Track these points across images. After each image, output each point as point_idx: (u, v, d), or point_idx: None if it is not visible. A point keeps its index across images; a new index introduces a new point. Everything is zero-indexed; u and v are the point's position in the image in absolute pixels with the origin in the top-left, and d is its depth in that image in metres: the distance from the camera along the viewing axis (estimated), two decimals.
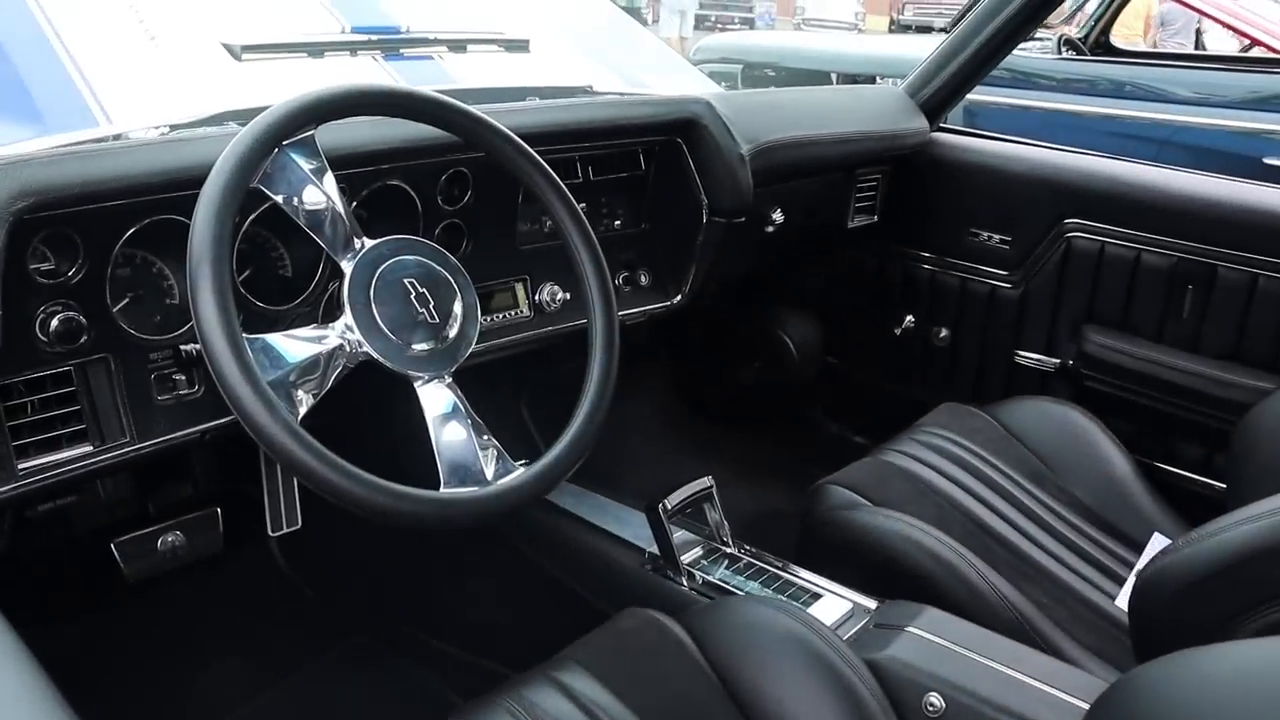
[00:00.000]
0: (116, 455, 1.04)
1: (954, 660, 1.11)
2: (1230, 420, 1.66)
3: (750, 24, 15.56)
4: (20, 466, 0.97)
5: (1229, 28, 5.07)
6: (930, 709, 1.07)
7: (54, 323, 0.98)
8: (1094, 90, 3.80)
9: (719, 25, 14.51)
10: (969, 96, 3.84)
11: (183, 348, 1.06)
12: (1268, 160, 3.10)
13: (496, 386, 1.14)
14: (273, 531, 1.40)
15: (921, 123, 1.95)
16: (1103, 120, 3.75)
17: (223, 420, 1.10)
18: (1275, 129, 3.17)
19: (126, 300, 1.07)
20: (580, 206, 1.42)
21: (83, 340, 1.01)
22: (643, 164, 1.53)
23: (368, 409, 1.22)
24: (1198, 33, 6.71)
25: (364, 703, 1.04)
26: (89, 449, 1.02)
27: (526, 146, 1.10)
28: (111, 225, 1.02)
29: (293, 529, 1.40)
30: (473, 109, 1.08)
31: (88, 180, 0.95)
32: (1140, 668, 0.84)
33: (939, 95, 1.96)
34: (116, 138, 1.22)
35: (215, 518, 1.56)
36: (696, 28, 13.83)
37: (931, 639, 1.15)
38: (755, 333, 2.24)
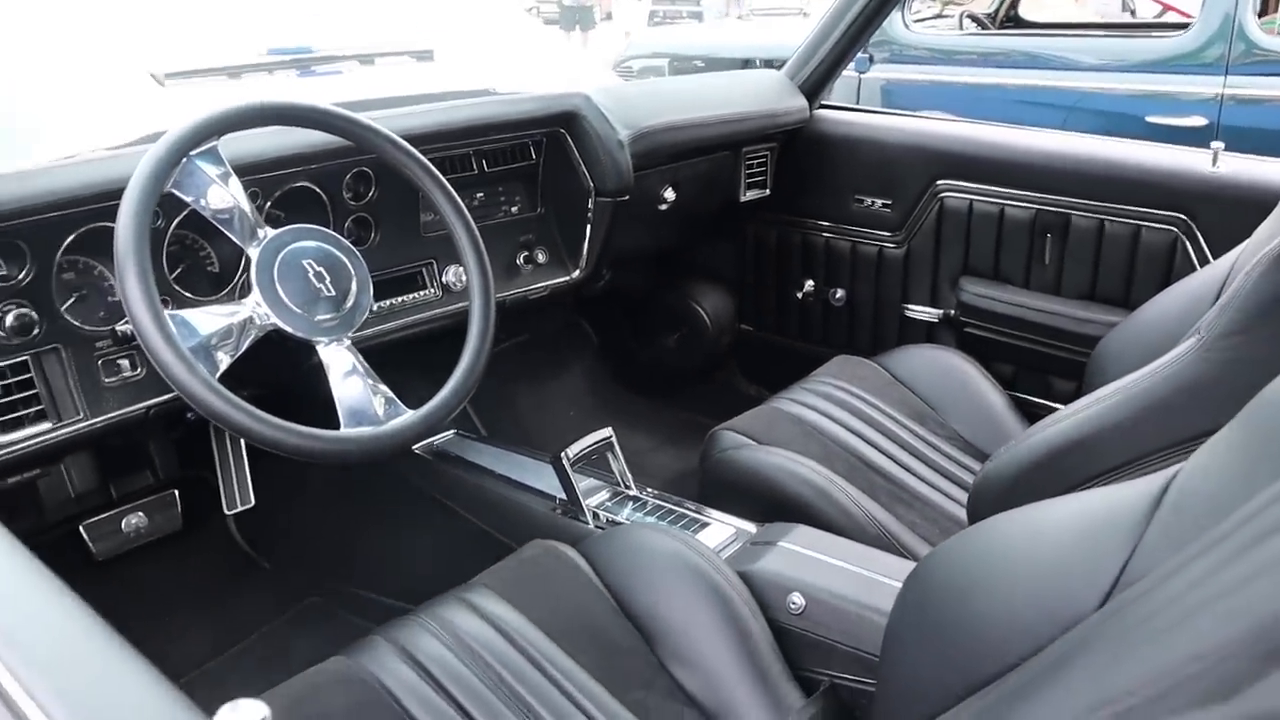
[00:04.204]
0: (72, 430, 1.21)
1: (815, 566, 1.26)
2: (1089, 353, 1.84)
3: (699, 17, 15.59)
4: None
5: None
6: (793, 606, 1.22)
7: (9, 319, 1.16)
8: (1009, 62, 3.92)
9: (667, 20, 14.61)
10: (885, 75, 4.05)
11: (118, 327, 1.23)
12: (1149, 118, 3.30)
13: (433, 363, 1.31)
14: (228, 510, 1.55)
15: (800, 102, 2.13)
16: (1016, 90, 3.89)
17: (164, 397, 1.27)
18: (1157, 89, 3.36)
19: (73, 299, 1.24)
20: (479, 196, 1.61)
21: (35, 333, 1.18)
22: (533, 154, 1.71)
23: (285, 380, 1.38)
24: None
25: (316, 653, 1.19)
26: (48, 425, 1.19)
27: (408, 145, 1.28)
28: (52, 234, 1.19)
29: (246, 507, 1.56)
30: (356, 115, 1.25)
31: (23, 196, 1.13)
32: (946, 540, 0.98)
33: (816, 75, 2.14)
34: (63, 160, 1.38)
35: (173, 499, 1.73)
36: (649, 25, 13.96)
37: (797, 550, 1.30)
38: (673, 306, 2.42)
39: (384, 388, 1.18)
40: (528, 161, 1.70)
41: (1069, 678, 0.62)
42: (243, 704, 0.54)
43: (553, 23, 12.86)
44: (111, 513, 1.67)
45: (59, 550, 1.68)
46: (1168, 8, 5.37)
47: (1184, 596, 0.56)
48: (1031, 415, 1.88)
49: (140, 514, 1.69)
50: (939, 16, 4.34)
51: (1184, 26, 3.41)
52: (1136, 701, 0.51)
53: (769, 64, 4.48)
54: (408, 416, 1.17)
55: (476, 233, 1.30)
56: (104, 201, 1.17)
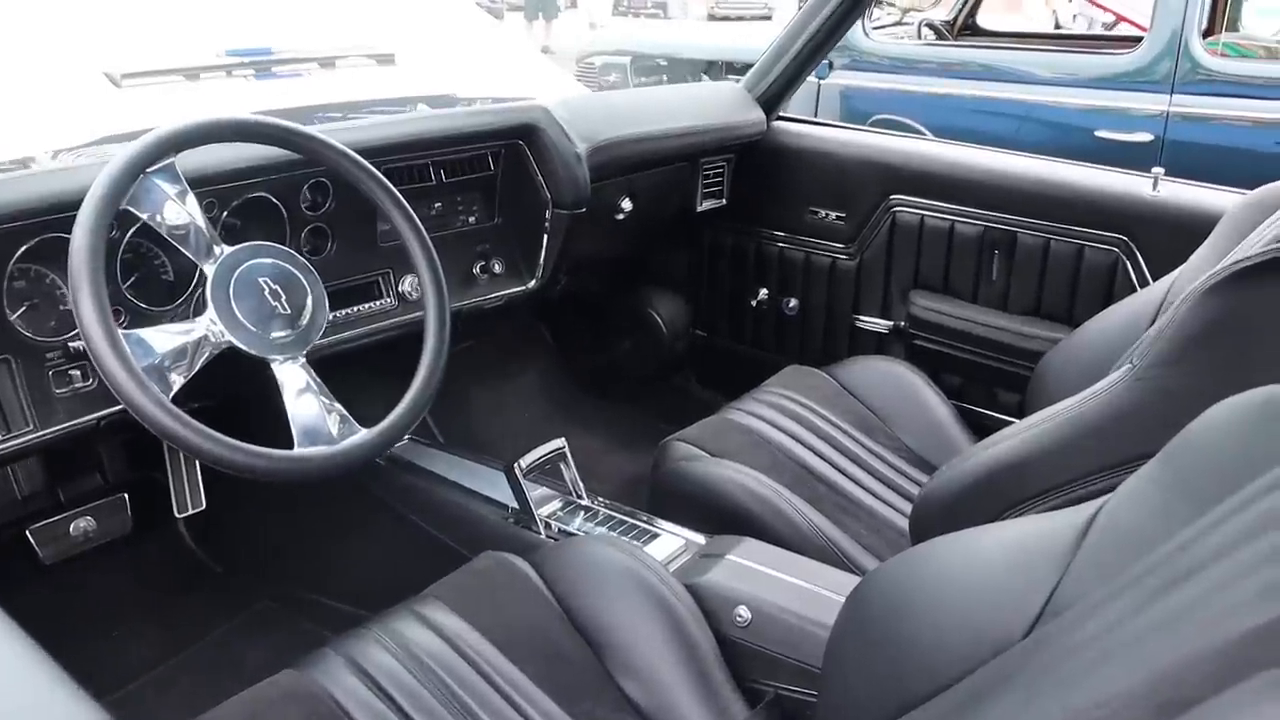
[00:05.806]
0: (22, 441, 1.20)
1: (761, 579, 1.29)
2: (1032, 367, 1.89)
3: (664, 8, 15.59)
4: None
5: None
6: (739, 619, 1.24)
7: None
8: (965, 73, 3.96)
9: (632, 12, 14.61)
10: (844, 82, 4.09)
11: (71, 344, 1.22)
12: (1098, 133, 3.38)
13: (390, 371, 1.32)
14: (178, 513, 1.54)
15: (758, 114, 2.16)
16: (972, 100, 3.91)
17: (114, 409, 1.27)
18: (1107, 105, 3.43)
19: (24, 308, 1.23)
20: (436, 205, 1.62)
21: None
22: (491, 165, 1.72)
23: (237, 394, 1.38)
24: None
25: (267, 659, 1.19)
26: None
27: (362, 160, 1.29)
28: (4, 244, 1.18)
29: (197, 510, 1.56)
30: (312, 130, 1.25)
31: None
32: (885, 561, 1.01)
33: (773, 88, 2.17)
34: (14, 163, 1.37)
35: (123, 502, 1.73)
36: (613, 15, 13.96)
37: (744, 563, 1.32)
38: (629, 312, 2.44)
39: (338, 406, 1.19)
40: (486, 172, 1.71)
41: (987, 712, 0.65)
42: None
43: (517, 10, 12.83)
44: (59, 517, 1.66)
45: (5, 555, 1.67)
46: (1120, 18, 5.47)
47: (1096, 641, 0.59)
48: (977, 427, 1.92)
49: (89, 518, 1.68)
50: (898, 24, 4.40)
51: (1136, 40, 3.48)
52: None
53: (731, 66, 4.58)
54: (361, 436, 1.18)
55: (432, 249, 1.31)
56: (59, 213, 1.16)
